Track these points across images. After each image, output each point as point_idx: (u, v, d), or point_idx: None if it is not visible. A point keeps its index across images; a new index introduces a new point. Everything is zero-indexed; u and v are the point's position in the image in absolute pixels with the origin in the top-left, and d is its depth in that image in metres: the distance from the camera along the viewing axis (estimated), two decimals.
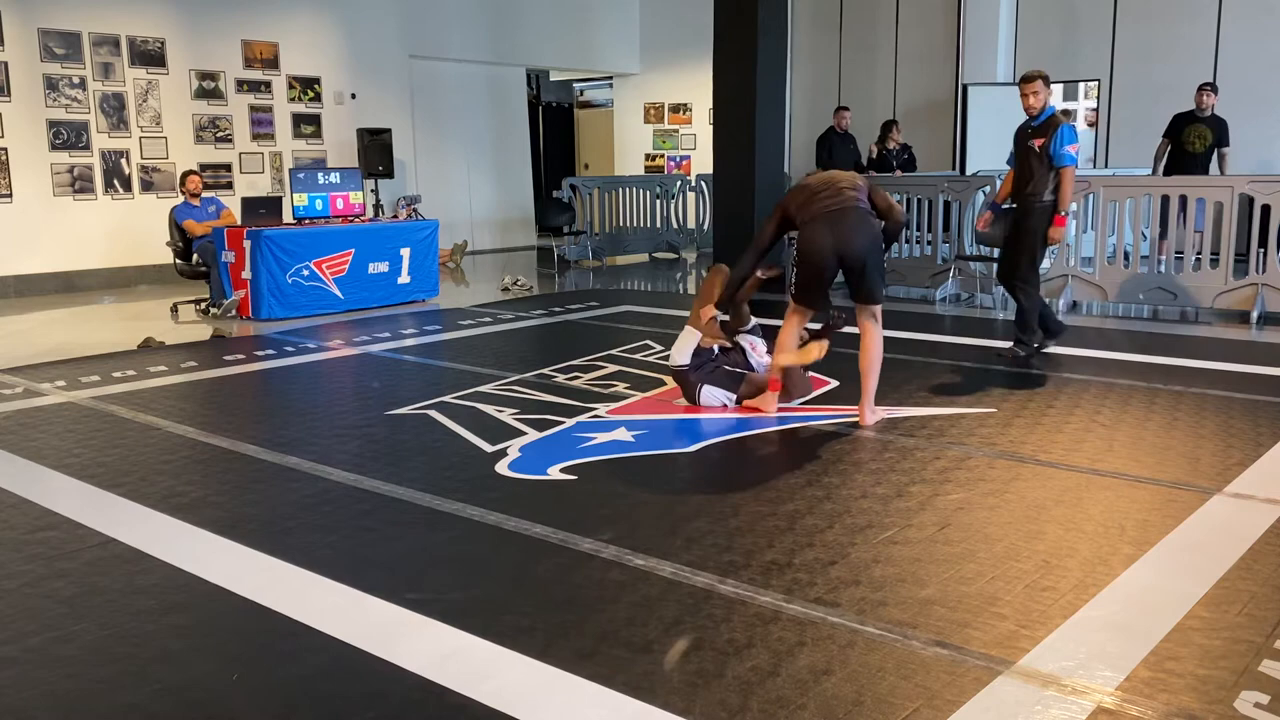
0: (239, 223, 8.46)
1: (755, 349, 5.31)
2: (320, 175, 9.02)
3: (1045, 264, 8.51)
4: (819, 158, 11.50)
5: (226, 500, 3.84)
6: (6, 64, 9.61)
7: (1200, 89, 9.51)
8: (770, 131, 9.33)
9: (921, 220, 9.22)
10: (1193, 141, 9.46)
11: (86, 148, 10.18)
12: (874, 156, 11.68)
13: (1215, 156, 9.46)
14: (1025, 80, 6.15)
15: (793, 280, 4.87)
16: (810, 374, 5.59)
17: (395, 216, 10.63)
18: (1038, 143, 6.03)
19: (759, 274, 5.19)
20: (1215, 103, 9.50)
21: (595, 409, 5.04)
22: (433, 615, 2.78)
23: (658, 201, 13.24)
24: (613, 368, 6.03)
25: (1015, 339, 6.30)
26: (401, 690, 2.41)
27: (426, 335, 7.40)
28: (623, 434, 4.60)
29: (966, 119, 12.63)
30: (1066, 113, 12.56)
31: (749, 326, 5.43)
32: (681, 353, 5.08)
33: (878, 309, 4.77)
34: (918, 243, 9.34)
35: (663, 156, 15.87)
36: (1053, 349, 6.46)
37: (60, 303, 9.41)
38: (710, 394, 5.05)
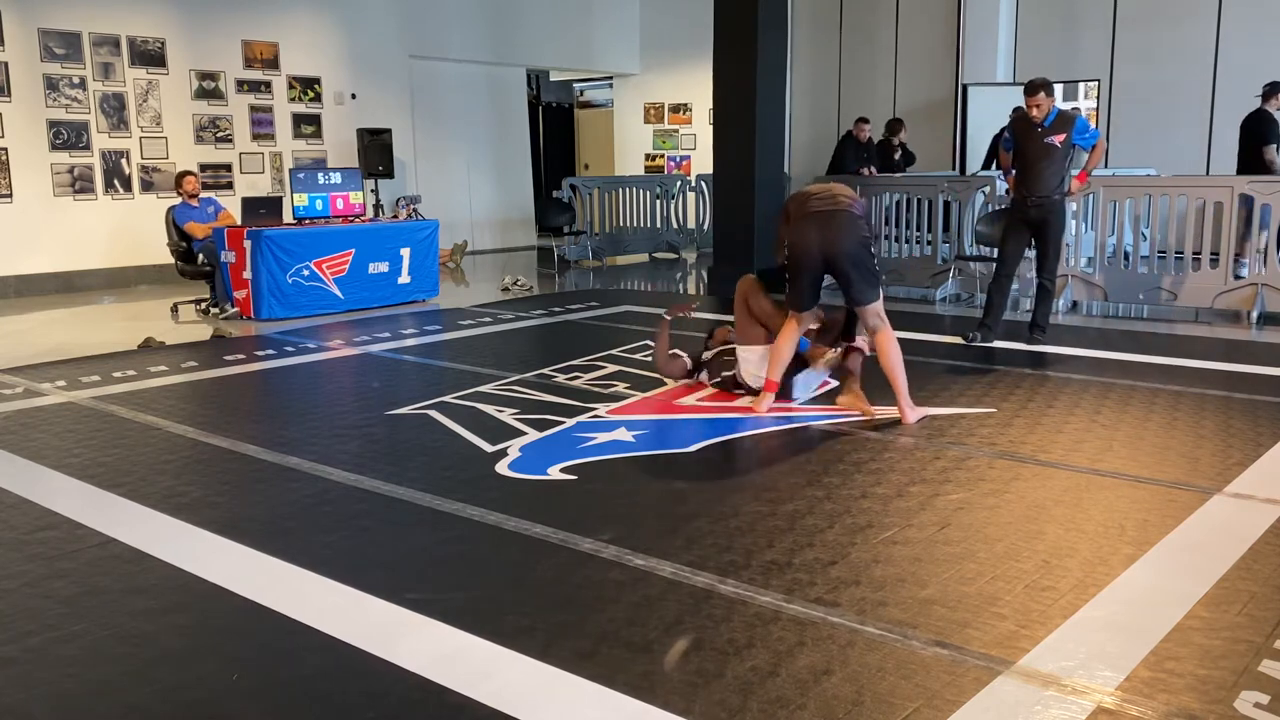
0: (238, 223, 8.47)
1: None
2: (320, 175, 9.02)
3: None
4: (837, 163, 11.22)
5: (226, 500, 3.84)
6: (6, 64, 9.61)
7: None
8: (770, 131, 9.33)
9: (921, 220, 9.23)
10: None
11: (87, 148, 10.18)
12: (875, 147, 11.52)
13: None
14: (1029, 93, 6.44)
15: (787, 280, 4.90)
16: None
17: (395, 216, 10.64)
18: (1059, 139, 6.38)
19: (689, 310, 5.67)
20: None
21: (595, 409, 5.04)
22: (433, 615, 2.78)
23: (658, 201, 13.24)
24: (613, 368, 6.02)
25: (1035, 326, 6.66)
26: (401, 690, 2.41)
27: (426, 335, 7.40)
28: (623, 434, 4.60)
29: (966, 119, 12.63)
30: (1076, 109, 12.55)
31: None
32: (765, 368, 5.04)
33: (877, 309, 4.79)
34: (918, 243, 9.33)
35: (663, 156, 15.87)
36: (1053, 349, 6.47)
37: (60, 303, 9.42)
38: (807, 379, 5.13)
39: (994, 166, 7.45)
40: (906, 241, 9.32)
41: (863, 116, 11.76)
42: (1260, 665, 2.45)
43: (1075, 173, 6.74)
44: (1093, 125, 6.67)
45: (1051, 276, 6.70)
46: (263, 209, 8.58)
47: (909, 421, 4.70)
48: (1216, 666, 2.45)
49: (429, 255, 9.17)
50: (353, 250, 8.59)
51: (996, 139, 6.77)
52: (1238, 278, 7.75)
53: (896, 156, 11.53)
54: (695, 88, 14.67)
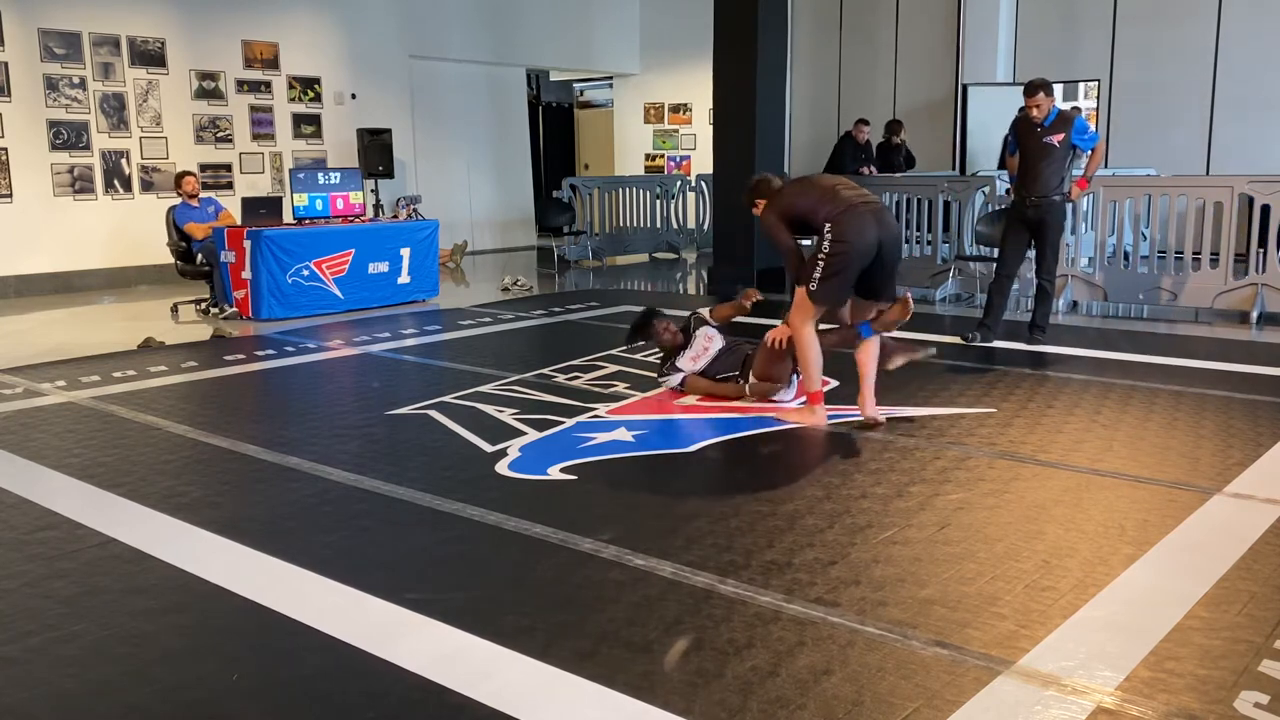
0: (238, 223, 8.47)
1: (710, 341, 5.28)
2: (320, 175, 9.02)
3: None
4: (835, 164, 11.17)
5: (226, 500, 3.84)
6: (6, 64, 9.61)
7: None
8: (770, 131, 9.33)
9: (921, 220, 9.22)
10: None
11: (87, 148, 10.18)
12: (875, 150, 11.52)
13: None
14: (1028, 93, 6.49)
15: (815, 276, 4.52)
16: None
17: (395, 216, 10.63)
18: (1057, 138, 6.43)
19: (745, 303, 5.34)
20: None
21: (595, 409, 5.04)
22: (433, 615, 2.78)
23: (658, 201, 13.23)
24: (613, 368, 6.02)
25: (1034, 326, 6.69)
26: (401, 690, 2.41)
27: (426, 335, 7.40)
28: (623, 434, 4.60)
29: (966, 119, 12.62)
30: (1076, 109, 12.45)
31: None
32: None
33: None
34: (918, 243, 9.33)
35: (663, 156, 15.87)
36: (1053, 349, 6.47)
37: (60, 303, 9.41)
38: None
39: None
40: (906, 241, 9.30)
41: (863, 118, 11.77)
42: (1260, 665, 2.45)
43: (1077, 175, 6.74)
44: (1092, 126, 6.68)
45: (1050, 277, 6.71)
46: (263, 209, 8.58)
47: (867, 414, 4.66)
48: (1216, 666, 2.45)
49: (429, 255, 9.16)
50: (353, 250, 8.58)
51: (1006, 142, 6.79)
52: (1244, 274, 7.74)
53: (900, 157, 11.53)
54: (695, 88, 14.66)
